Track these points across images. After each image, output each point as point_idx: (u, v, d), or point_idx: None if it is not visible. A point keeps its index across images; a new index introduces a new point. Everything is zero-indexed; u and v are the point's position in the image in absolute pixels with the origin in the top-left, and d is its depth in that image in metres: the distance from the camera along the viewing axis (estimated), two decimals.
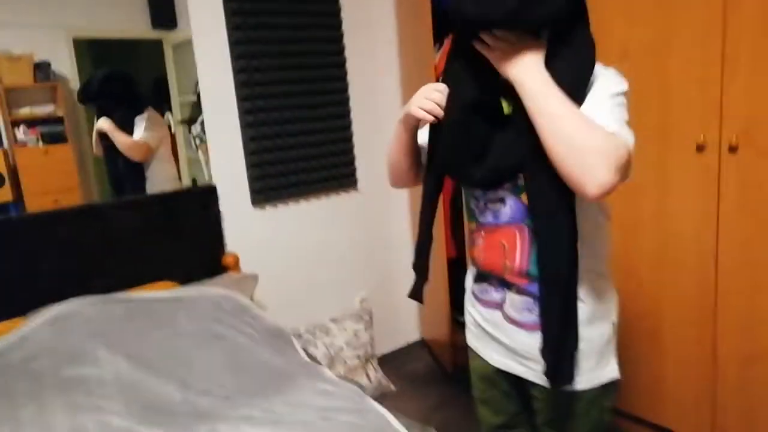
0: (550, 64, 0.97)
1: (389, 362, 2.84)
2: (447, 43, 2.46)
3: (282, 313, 2.36)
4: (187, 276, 2.12)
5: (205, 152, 2.19)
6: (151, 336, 1.71)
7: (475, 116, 1.06)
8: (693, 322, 1.80)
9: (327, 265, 2.63)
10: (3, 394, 1.47)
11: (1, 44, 1.74)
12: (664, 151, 1.75)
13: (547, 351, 1.07)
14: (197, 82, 2.13)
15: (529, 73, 0.96)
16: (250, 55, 2.23)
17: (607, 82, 1.00)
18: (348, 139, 2.59)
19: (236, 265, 2.22)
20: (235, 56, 2.22)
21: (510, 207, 1.11)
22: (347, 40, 2.53)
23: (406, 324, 3.02)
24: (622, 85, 1.01)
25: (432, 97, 1.09)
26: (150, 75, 2.07)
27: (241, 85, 2.24)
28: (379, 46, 2.69)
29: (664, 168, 1.77)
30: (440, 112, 1.09)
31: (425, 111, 1.10)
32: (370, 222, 2.77)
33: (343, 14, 2.50)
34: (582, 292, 1.09)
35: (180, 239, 2.13)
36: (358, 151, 2.64)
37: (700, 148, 1.66)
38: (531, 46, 0.97)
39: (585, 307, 1.10)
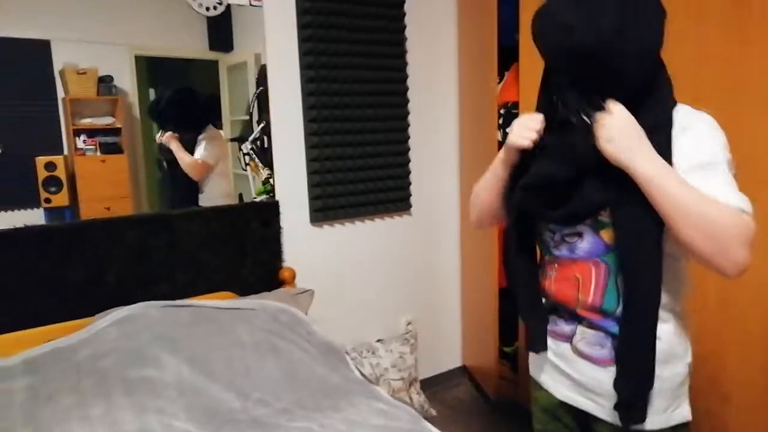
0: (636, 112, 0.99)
1: (431, 387, 2.84)
2: (508, 76, 2.50)
3: (331, 330, 2.39)
4: (245, 288, 2.18)
5: (254, 169, 2.27)
6: (212, 343, 1.76)
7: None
8: (759, 367, 1.75)
9: (377, 286, 2.66)
10: (73, 390, 1.52)
11: (70, 58, 1.85)
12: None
13: (622, 387, 1.07)
14: (249, 103, 2.22)
15: (639, 157, 0.96)
16: (318, 79, 2.32)
17: (711, 138, 1.00)
18: (405, 164, 2.64)
19: (292, 280, 2.27)
20: (305, 80, 2.31)
21: (588, 242, 1.12)
22: (410, 70, 2.60)
23: (448, 350, 3.01)
24: (723, 137, 1.01)
25: (535, 128, 1.09)
26: (203, 93, 2.16)
27: (308, 108, 2.32)
28: (440, 78, 2.75)
29: None
30: (540, 133, 1.09)
31: (531, 140, 1.10)
32: (421, 246, 2.80)
33: (408, 45, 2.57)
34: (660, 330, 1.09)
35: (241, 252, 2.20)
36: (413, 176, 2.69)
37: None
38: (633, 124, 0.97)
39: (662, 345, 1.09)
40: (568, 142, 1.04)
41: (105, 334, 1.73)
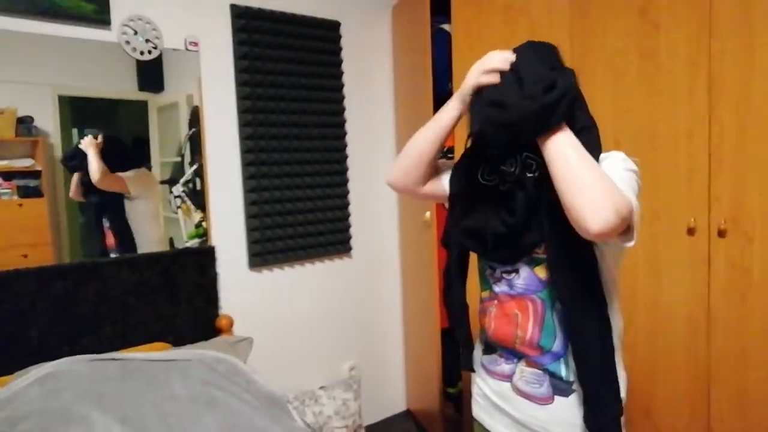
0: None
1: None
2: None
3: (272, 378, 2.31)
4: (180, 337, 2.09)
5: (186, 212, 2.20)
6: (145, 398, 1.66)
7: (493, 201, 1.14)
8: (686, 399, 1.84)
9: (318, 331, 2.61)
10: None
11: None
12: (656, 234, 1.85)
13: (590, 424, 1.09)
14: (181, 144, 2.17)
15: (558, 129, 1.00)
16: (256, 123, 2.32)
17: (618, 160, 1.07)
18: (345, 207, 2.65)
19: (230, 328, 2.19)
20: (242, 123, 2.29)
21: (524, 278, 1.16)
22: (349, 112, 2.65)
23: (393, 394, 2.97)
24: (631, 164, 1.08)
25: (493, 64, 1.05)
26: (131, 134, 2.09)
27: (245, 151, 2.30)
28: (378, 122, 2.81)
29: (656, 249, 1.86)
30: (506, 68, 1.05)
31: (490, 71, 1.05)
32: (362, 289, 2.79)
33: (346, 88, 2.62)
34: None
35: (175, 300, 2.11)
36: (353, 218, 2.70)
37: (690, 232, 1.76)
38: None
39: None
40: (507, 199, 1.12)
41: (24, 393, 1.59)
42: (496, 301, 1.22)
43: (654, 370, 1.90)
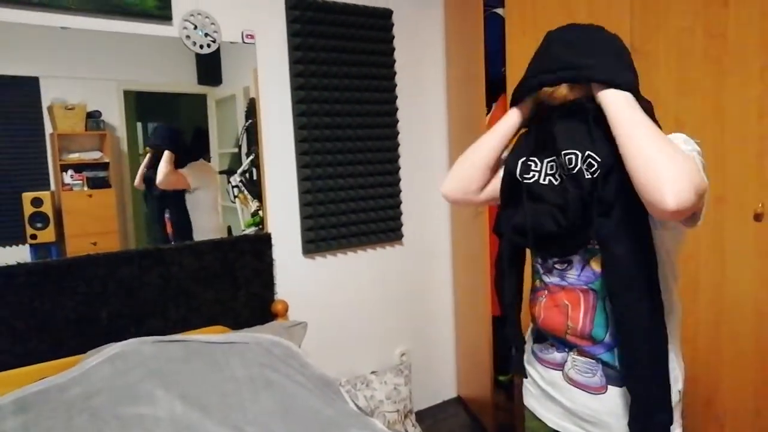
0: None
1: (426, 418, 2.80)
2: (495, 107, 2.56)
3: (325, 363, 2.38)
4: (238, 321, 2.17)
5: (243, 202, 2.27)
6: (206, 378, 1.74)
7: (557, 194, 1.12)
8: (751, 391, 1.76)
9: (370, 317, 2.65)
10: (66, 429, 1.50)
11: (59, 94, 1.86)
12: (721, 220, 1.77)
13: (636, 419, 1.07)
14: (238, 136, 2.24)
15: (617, 93, 1.02)
16: (310, 113, 2.36)
17: (680, 141, 1.04)
18: (396, 195, 2.66)
19: (285, 313, 2.26)
20: (297, 113, 2.34)
21: (577, 270, 1.14)
22: (400, 102, 2.65)
23: (443, 380, 2.98)
24: (694, 144, 1.05)
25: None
26: (191, 126, 2.17)
27: (299, 141, 2.35)
28: (429, 109, 2.80)
29: (721, 236, 1.78)
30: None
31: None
32: (413, 276, 2.80)
33: (398, 78, 2.63)
34: None
35: (233, 285, 2.20)
36: (404, 206, 2.71)
37: (757, 217, 1.67)
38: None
39: None
40: (559, 194, 1.10)
41: (97, 371, 1.71)
42: (546, 291, 1.21)
43: (718, 362, 1.83)
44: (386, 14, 2.55)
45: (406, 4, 2.65)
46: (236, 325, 2.17)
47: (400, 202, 2.69)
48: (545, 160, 1.15)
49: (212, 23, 2.12)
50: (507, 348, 1.35)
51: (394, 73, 2.61)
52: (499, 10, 2.38)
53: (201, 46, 2.10)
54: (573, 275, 1.15)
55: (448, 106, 2.84)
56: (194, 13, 2.07)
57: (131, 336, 1.93)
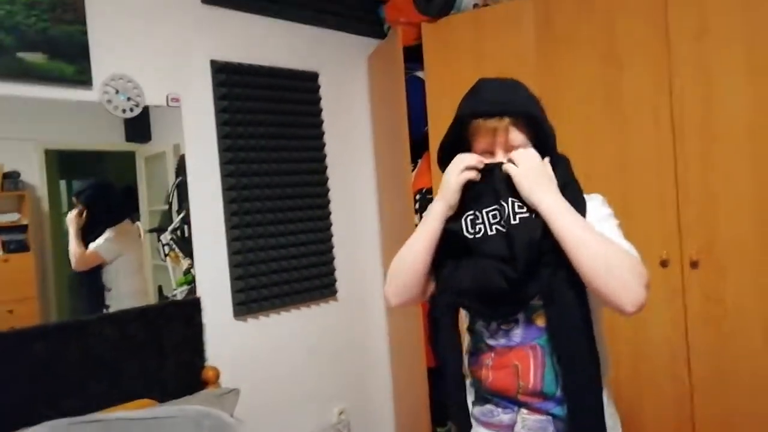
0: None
1: None
2: (420, 164, 2.65)
3: (261, 429, 2.29)
4: (165, 392, 2.06)
5: (174, 260, 2.21)
6: None
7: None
8: (673, 426, 1.85)
9: (306, 377, 2.59)
10: None
11: None
12: None
13: None
14: (169, 193, 2.20)
15: (549, 194, 1.06)
16: (238, 173, 2.35)
17: (603, 212, 1.12)
18: (329, 251, 2.67)
19: (216, 380, 2.17)
20: (225, 174, 2.33)
21: (522, 328, 1.14)
22: (329, 159, 2.70)
23: None
24: (610, 209, 1.14)
25: (472, 163, 1.12)
26: (119, 184, 2.11)
27: (229, 202, 2.33)
28: (357, 167, 2.87)
29: None
30: (482, 163, 1.12)
31: (469, 168, 1.11)
32: (349, 332, 2.79)
33: (326, 136, 2.68)
34: None
35: (160, 354, 2.09)
36: (337, 262, 2.72)
37: (663, 264, 1.81)
38: (545, 165, 1.11)
39: None
40: (499, 246, 1.09)
41: None
42: (492, 354, 1.18)
43: (640, 402, 1.92)
44: (312, 77, 2.63)
45: (331, 67, 2.73)
46: (164, 396, 2.05)
47: (333, 258, 2.70)
48: (485, 210, 1.12)
49: (135, 87, 2.10)
50: (444, 399, 1.30)
51: (322, 133, 2.66)
52: (420, 73, 2.51)
53: (123, 110, 2.07)
54: (518, 334, 1.15)
55: (376, 162, 2.92)
56: (115, 78, 2.05)
57: (44, 420, 1.78)
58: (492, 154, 1.15)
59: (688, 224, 1.76)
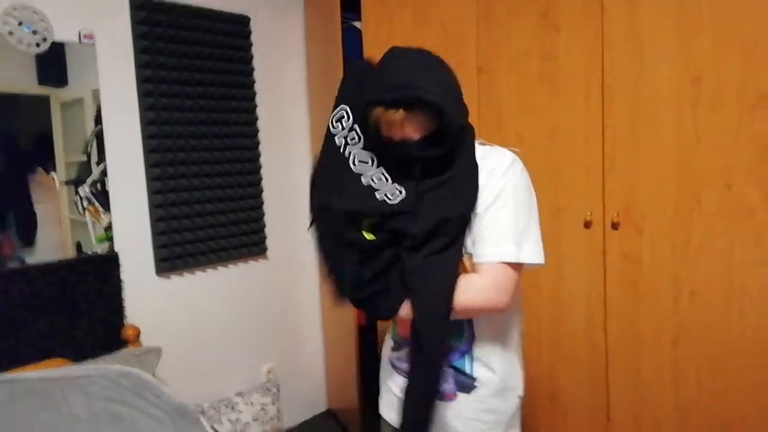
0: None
1: None
2: None
3: (186, 389, 2.23)
4: (80, 352, 1.96)
5: (94, 215, 2.07)
6: (38, 420, 1.54)
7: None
8: (587, 384, 1.95)
9: (233, 336, 2.54)
10: None
11: None
12: (558, 227, 1.95)
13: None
14: (87, 142, 2.04)
15: None
16: (160, 121, 2.20)
17: (501, 176, 1.11)
18: (259, 207, 2.58)
19: (137, 339, 2.08)
20: (145, 122, 2.17)
21: None
22: (260, 109, 2.58)
23: (314, 394, 2.95)
24: (525, 179, 1.13)
25: None
26: (31, 132, 1.94)
27: (149, 152, 2.19)
28: (290, 116, 2.76)
29: (558, 242, 1.95)
30: None
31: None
32: (279, 290, 2.74)
33: (258, 84, 2.55)
34: (494, 364, 1.17)
35: (74, 312, 1.97)
36: (268, 218, 2.64)
37: (587, 225, 1.86)
38: None
39: (496, 378, 1.17)
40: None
41: None
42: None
43: (558, 358, 2.01)
44: (243, 21, 2.47)
45: (264, 12, 2.58)
46: (79, 356, 1.95)
47: (263, 214, 2.61)
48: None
49: (42, 20, 1.89)
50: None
51: (254, 81, 2.53)
52: (357, 23, 2.41)
53: (29, 45, 1.87)
54: None
55: (309, 113, 2.82)
56: (18, 7, 1.84)
57: None
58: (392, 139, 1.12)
59: (611, 187, 1.81)
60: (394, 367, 1.30)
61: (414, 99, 1.04)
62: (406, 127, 1.08)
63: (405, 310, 1.10)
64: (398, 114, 1.06)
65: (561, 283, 1.97)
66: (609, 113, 1.80)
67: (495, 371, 1.18)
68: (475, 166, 1.12)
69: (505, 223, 1.08)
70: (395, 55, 1.12)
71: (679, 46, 1.64)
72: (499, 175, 1.10)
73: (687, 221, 1.66)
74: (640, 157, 1.74)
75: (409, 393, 1.13)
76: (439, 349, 1.10)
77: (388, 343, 1.36)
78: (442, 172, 1.10)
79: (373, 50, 2.30)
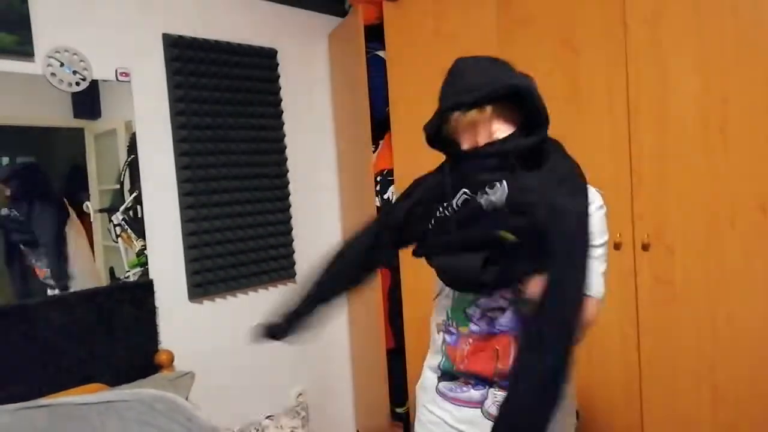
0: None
1: None
2: (382, 145, 2.63)
3: (217, 412, 2.26)
4: (117, 377, 2.01)
5: (127, 241, 2.14)
6: None
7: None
8: (621, 409, 1.91)
9: (264, 360, 2.56)
10: None
11: None
12: None
13: None
14: (120, 171, 2.13)
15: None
16: (193, 152, 2.28)
17: (598, 200, 1.14)
18: (288, 232, 2.63)
19: (170, 363, 2.13)
20: (179, 153, 2.26)
21: (507, 317, 1.17)
22: (289, 138, 2.64)
23: (342, 416, 2.95)
24: (599, 210, 1.15)
25: None
26: (67, 163, 2.02)
27: (183, 181, 2.26)
28: (319, 145, 2.82)
29: None
30: None
31: None
32: None
33: (285, 114, 2.62)
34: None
35: (111, 338, 2.04)
36: (297, 243, 2.68)
37: (617, 246, 1.84)
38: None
39: (566, 399, 1.17)
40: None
41: None
42: (470, 339, 1.22)
43: (590, 380, 1.97)
44: (271, 54, 2.56)
45: (291, 45, 2.67)
46: (115, 381, 2.00)
47: (293, 239, 2.66)
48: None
49: (81, 60, 2.00)
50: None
51: (281, 112, 2.60)
52: (381, 53, 2.47)
53: (69, 84, 1.97)
54: (503, 323, 1.18)
55: (336, 143, 2.88)
56: (60, 50, 1.95)
57: None
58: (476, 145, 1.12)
59: (640, 208, 1.79)
60: (445, 397, 1.28)
61: (506, 88, 1.03)
62: (493, 125, 1.08)
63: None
64: (484, 112, 1.05)
65: None
66: (635, 136, 1.79)
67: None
68: (583, 191, 1.10)
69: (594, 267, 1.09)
70: (466, 63, 1.13)
71: (703, 66, 1.63)
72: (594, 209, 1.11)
73: (720, 243, 1.63)
74: (668, 178, 1.73)
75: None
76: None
77: (432, 373, 1.33)
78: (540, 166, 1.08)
79: (397, 78, 2.35)
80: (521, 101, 1.07)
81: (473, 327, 1.21)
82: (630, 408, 1.88)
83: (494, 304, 1.18)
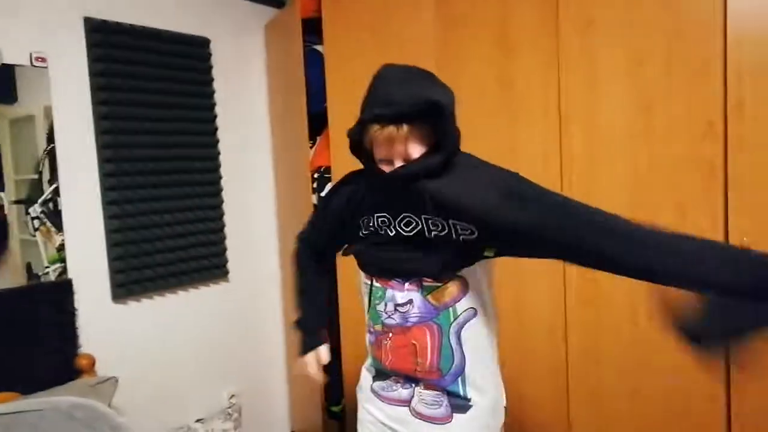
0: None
1: None
2: (319, 141, 2.58)
3: (144, 418, 2.17)
4: (32, 384, 1.87)
5: (46, 235, 2.00)
6: None
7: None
8: (548, 402, 1.98)
9: (194, 362, 2.47)
10: None
11: None
12: None
13: None
14: (40, 161, 1.99)
15: None
16: (117, 144, 2.16)
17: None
18: (220, 230, 2.55)
19: (92, 368, 2.01)
20: (101, 144, 2.13)
21: (418, 308, 1.18)
22: (222, 132, 2.56)
23: (277, 417, 2.90)
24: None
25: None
26: None
27: (106, 174, 2.13)
28: (253, 139, 2.75)
29: (518, 261, 1.97)
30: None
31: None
32: (241, 314, 2.69)
33: (219, 107, 2.53)
34: (485, 383, 1.21)
35: (25, 342, 1.90)
36: (229, 241, 2.60)
37: None
38: None
39: (488, 395, 1.22)
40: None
41: None
42: (390, 334, 1.23)
43: (519, 377, 2.03)
44: (203, 43, 2.46)
45: (224, 35, 2.58)
46: (30, 389, 1.86)
47: (224, 237, 2.58)
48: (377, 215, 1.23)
49: None
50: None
51: (214, 103, 2.51)
52: (319, 47, 2.43)
53: None
54: (415, 313, 1.18)
55: (272, 138, 2.81)
56: None
57: None
58: (390, 162, 1.12)
59: None
60: (379, 396, 1.30)
61: (426, 105, 1.03)
62: (409, 143, 1.08)
63: None
64: (401, 130, 1.05)
65: (523, 301, 2.00)
66: (566, 137, 1.85)
67: (487, 390, 1.21)
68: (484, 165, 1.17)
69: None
70: (392, 71, 1.13)
71: (629, 75, 1.70)
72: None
73: None
74: (596, 182, 1.80)
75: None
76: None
77: (367, 373, 1.36)
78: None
79: (335, 73, 2.32)
80: (438, 118, 1.08)
81: (388, 321, 1.22)
82: (557, 401, 1.95)
83: (402, 298, 1.19)
